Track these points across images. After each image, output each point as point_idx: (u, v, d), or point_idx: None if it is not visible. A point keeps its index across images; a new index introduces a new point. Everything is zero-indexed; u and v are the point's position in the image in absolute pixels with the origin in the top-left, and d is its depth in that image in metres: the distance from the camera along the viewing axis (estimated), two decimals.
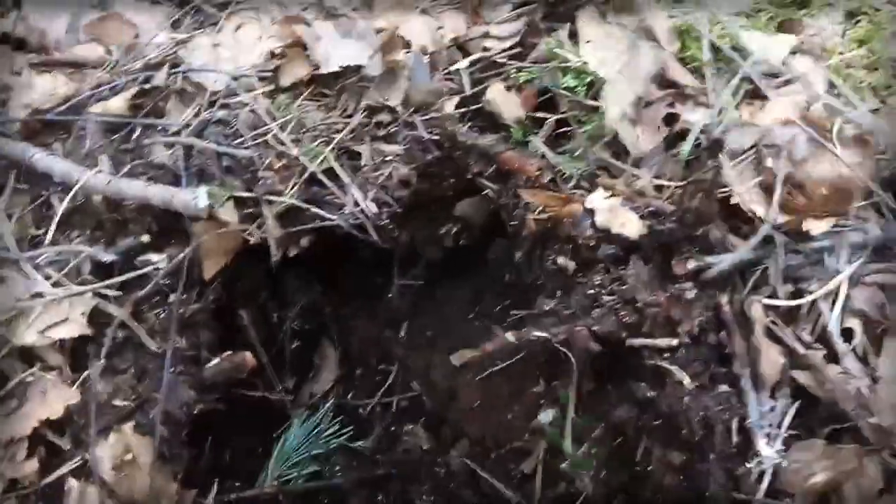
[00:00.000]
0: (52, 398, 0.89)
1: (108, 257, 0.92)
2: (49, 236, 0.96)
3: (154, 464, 0.88)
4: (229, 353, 1.12)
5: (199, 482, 1.08)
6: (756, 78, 0.93)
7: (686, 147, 0.90)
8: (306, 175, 1.03)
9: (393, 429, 1.49)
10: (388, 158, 1.07)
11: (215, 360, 1.10)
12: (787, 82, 0.94)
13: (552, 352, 1.34)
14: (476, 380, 1.46)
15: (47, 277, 0.94)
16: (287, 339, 1.48)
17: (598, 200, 0.91)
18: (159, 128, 1.08)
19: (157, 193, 0.92)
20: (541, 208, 0.98)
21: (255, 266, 1.26)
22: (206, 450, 1.23)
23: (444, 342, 1.51)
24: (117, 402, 0.95)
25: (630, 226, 0.88)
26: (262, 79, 1.14)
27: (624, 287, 0.92)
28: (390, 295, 1.45)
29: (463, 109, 1.10)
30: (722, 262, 0.84)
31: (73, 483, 0.88)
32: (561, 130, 1.05)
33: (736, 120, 0.90)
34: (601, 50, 1.01)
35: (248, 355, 1.13)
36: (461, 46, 1.14)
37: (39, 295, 0.92)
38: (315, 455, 1.35)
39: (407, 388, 1.52)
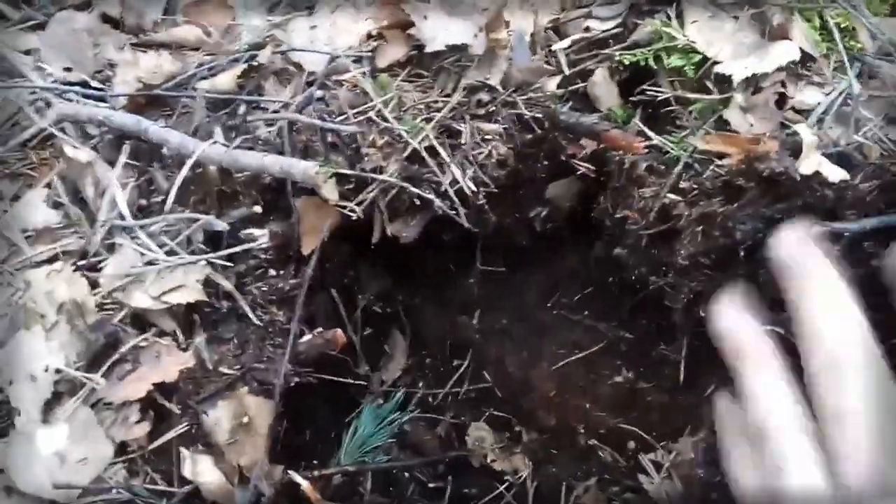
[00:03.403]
0: (167, 362, 0.91)
1: (222, 226, 0.94)
2: (167, 205, 0.97)
3: (271, 428, 0.89)
4: (320, 329, 1.13)
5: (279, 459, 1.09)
6: (872, 58, 0.91)
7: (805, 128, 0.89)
8: (408, 152, 1.04)
9: (462, 418, 1.49)
10: (487, 137, 1.07)
11: (308, 336, 1.11)
12: None
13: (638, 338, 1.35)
14: (551, 369, 1.46)
15: (161, 246, 0.96)
16: (360, 325, 1.48)
17: None
18: (263, 105, 1.09)
19: (275, 163, 0.93)
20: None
21: (343, 246, 1.28)
22: (281, 429, 1.24)
23: (519, 332, 1.51)
24: (223, 370, 0.96)
25: None
26: (358, 59, 1.15)
27: None
28: (471, 281, 1.45)
29: (562, 90, 1.10)
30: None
31: (185, 452, 0.89)
32: (664, 111, 1.05)
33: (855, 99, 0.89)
34: (708, 30, 1.00)
35: (339, 332, 1.14)
36: (559, 28, 1.14)
37: (153, 262, 0.94)
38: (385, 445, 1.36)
39: (479, 377, 1.52)
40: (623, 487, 1.26)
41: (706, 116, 0.98)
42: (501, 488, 1.33)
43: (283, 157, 0.95)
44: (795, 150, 0.86)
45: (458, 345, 1.54)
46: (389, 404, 1.42)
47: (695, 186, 1.01)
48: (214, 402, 0.96)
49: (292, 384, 1.08)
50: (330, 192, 0.99)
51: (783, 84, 0.96)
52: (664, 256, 1.08)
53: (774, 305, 0.95)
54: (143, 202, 1.04)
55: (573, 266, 1.42)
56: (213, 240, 1.00)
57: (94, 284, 0.99)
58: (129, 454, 0.93)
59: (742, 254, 0.96)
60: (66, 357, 0.94)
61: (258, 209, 0.98)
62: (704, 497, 1.01)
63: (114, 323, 0.95)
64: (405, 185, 1.03)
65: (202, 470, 0.90)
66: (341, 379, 1.35)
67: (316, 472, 1.21)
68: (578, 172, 1.15)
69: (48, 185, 1.09)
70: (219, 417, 0.91)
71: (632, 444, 1.32)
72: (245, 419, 0.90)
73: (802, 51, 0.97)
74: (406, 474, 1.41)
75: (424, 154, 1.04)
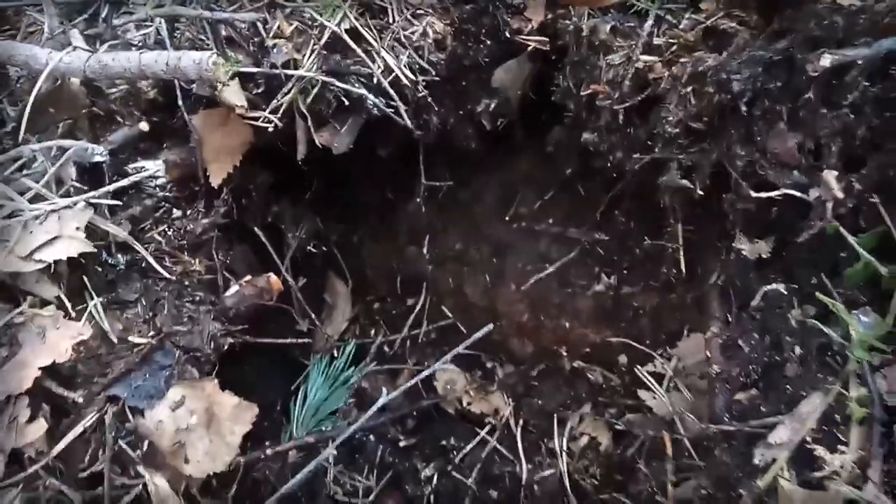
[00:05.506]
0: (54, 339, 0.69)
1: (100, 155, 0.72)
2: (20, 135, 0.74)
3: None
4: (249, 276, 0.93)
5: None
6: None
7: None
8: (325, 38, 0.83)
9: (427, 364, 1.32)
10: (419, 12, 0.88)
11: (236, 287, 0.91)
12: None
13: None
14: (519, 291, 1.31)
15: (22, 192, 0.73)
16: (292, 272, 1.27)
17: None
18: (130, 4, 0.86)
19: (157, 60, 0.69)
20: None
21: (263, 174, 1.07)
22: None
23: (476, 254, 1.34)
24: (133, 339, 0.75)
25: None
26: None
27: None
28: (416, 201, 1.25)
29: None
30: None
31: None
32: None
33: None
34: None
35: (273, 277, 0.95)
36: None
37: (15, 214, 0.71)
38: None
39: (438, 314, 1.35)
40: (622, 408, 1.12)
41: None
42: (483, 433, 1.17)
43: (165, 52, 0.72)
44: None
45: (409, 281, 1.37)
46: (340, 361, 1.23)
47: (672, 41, 0.88)
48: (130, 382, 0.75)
49: (225, 347, 0.89)
50: (234, 96, 0.78)
51: None
52: (645, 132, 0.93)
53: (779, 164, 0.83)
54: None
55: (530, 168, 1.24)
56: (93, 177, 0.78)
57: None
58: (29, 463, 0.71)
59: (744, 108, 0.82)
60: None
61: (144, 126, 0.76)
62: (728, 400, 0.88)
63: None
64: (328, 79, 0.83)
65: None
66: (281, 340, 1.15)
67: (268, 451, 1.02)
68: (528, 50, 0.99)
69: None
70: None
71: (624, 359, 1.17)
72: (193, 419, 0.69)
73: None
74: (372, 437, 1.22)
75: (346, 38, 0.83)
